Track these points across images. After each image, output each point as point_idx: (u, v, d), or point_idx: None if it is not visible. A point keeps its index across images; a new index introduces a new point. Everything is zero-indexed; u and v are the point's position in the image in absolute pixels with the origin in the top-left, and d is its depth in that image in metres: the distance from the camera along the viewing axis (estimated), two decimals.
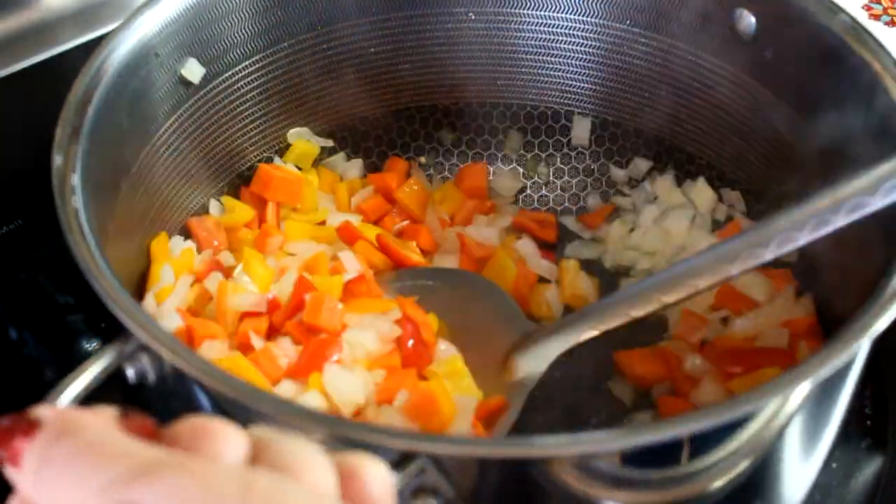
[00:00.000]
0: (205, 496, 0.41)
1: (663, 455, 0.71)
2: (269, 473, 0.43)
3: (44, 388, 0.66)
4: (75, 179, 0.81)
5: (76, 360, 0.68)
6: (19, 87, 1.15)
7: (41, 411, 0.44)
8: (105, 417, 0.45)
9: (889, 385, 1.01)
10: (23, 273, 1.13)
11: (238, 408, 0.66)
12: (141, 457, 0.42)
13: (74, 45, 1.17)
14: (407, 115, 1.20)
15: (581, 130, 1.18)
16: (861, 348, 0.72)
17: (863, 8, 1.49)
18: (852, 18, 0.92)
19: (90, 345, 1.04)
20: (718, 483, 0.75)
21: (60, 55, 1.16)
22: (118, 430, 0.44)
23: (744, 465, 0.75)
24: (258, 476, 0.42)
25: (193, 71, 1.01)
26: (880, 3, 1.51)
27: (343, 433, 0.64)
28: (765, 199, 1.07)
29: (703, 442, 0.70)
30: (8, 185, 1.17)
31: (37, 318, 1.09)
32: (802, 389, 0.71)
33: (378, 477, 0.48)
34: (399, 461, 0.63)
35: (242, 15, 1.04)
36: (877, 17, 1.48)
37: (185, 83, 1.02)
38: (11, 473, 0.43)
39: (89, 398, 0.65)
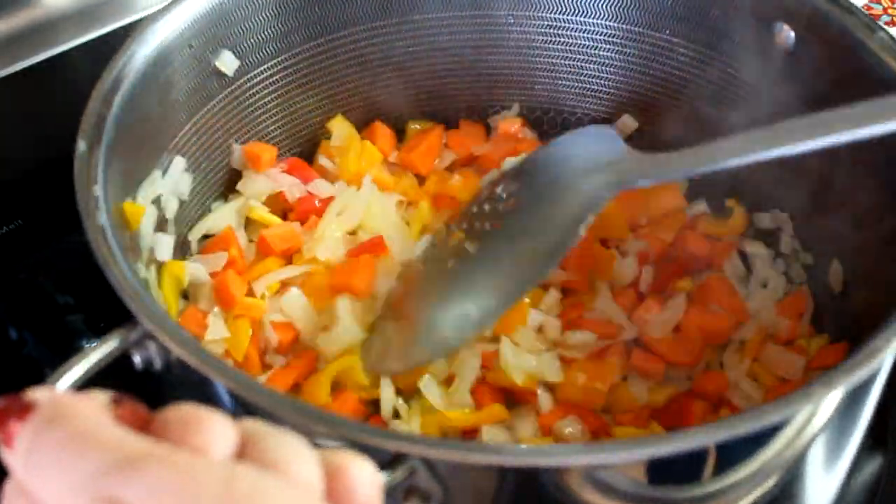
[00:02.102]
0: (185, 491, 0.41)
1: (684, 470, 0.68)
2: (253, 471, 0.43)
3: None
4: (98, 167, 0.80)
5: None
6: (20, 86, 1.13)
7: (36, 394, 0.44)
8: (98, 404, 0.45)
9: (889, 385, 0.99)
10: (23, 273, 1.12)
11: (243, 398, 0.66)
12: (126, 448, 0.42)
13: (75, 44, 1.16)
14: (442, 117, 1.19)
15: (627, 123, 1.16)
16: (887, 359, 0.70)
17: (863, 8, 1.49)
18: (890, 36, 0.91)
19: (90, 344, 1.02)
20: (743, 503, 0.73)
21: (61, 55, 1.15)
22: (110, 417, 0.44)
23: (769, 483, 0.73)
24: (241, 473, 0.42)
25: (228, 63, 1.01)
26: (880, 3, 1.51)
27: (336, 431, 0.64)
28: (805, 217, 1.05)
29: (727, 456, 0.68)
30: (8, 185, 1.16)
31: (37, 318, 1.08)
32: (830, 401, 0.70)
33: (365, 476, 0.47)
34: (390, 462, 0.62)
35: (278, 10, 1.04)
36: (877, 17, 1.47)
37: (219, 74, 1.01)
38: (5, 455, 0.43)
39: (91, 383, 0.64)
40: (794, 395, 0.65)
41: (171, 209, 0.97)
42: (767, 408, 0.64)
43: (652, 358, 0.96)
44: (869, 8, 1.50)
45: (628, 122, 1.15)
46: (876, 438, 0.96)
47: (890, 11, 1.49)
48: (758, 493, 0.74)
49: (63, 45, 1.15)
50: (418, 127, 1.17)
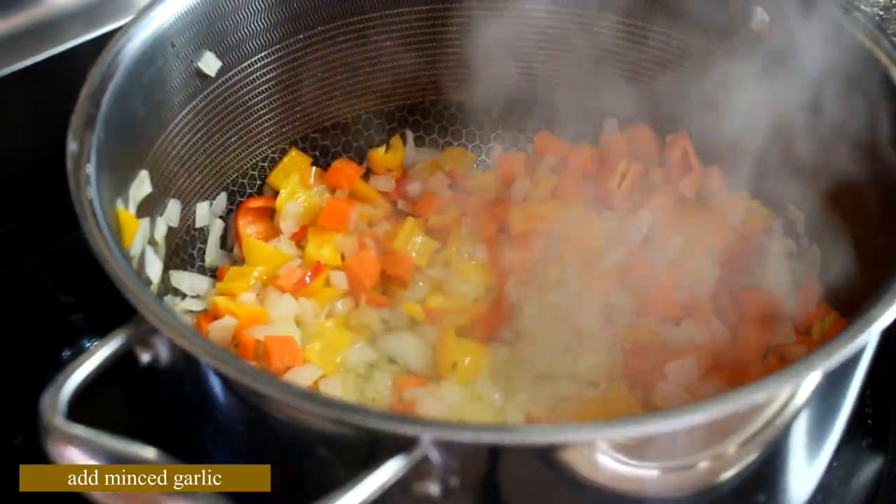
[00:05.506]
0: None
1: (672, 443, 0.71)
2: None
3: (44, 388, 0.66)
4: (90, 167, 0.81)
5: None
6: (24, 84, 1.15)
7: None
8: None
9: (889, 385, 1.01)
10: (23, 272, 1.13)
11: (247, 390, 0.67)
12: None
13: (79, 42, 1.17)
14: (421, 109, 1.21)
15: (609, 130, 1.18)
16: (870, 341, 0.72)
17: None
18: (866, 16, 0.92)
19: (91, 344, 1.04)
20: (727, 474, 0.75)
21: (65, 53, 1.16)
22: None
23: (752, 456, 0.75)
24: None
25: (210, 64, 1.02)
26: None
27: (351, 419, 0.64)
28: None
29: (712, 431, 0.70)
30: (10, 184, 1.17)
31: (37, 317, 1.09)
32: (812, 380, 0.71)
33: None
34: (404, 446, 0.63)
35: (258, 6, 1.05)
36: None
37: (202, 75, 1.02)
38: None
39: (99, 379, 0.65)
40: (773, 377, 0.66)
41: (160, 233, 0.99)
42: (747, 389, 0.66)
43: None
44: None
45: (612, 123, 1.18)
46: (876, 438, 0.98)
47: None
48: (741, 465, 0.75)
49: (65, 44, 1.17)
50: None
